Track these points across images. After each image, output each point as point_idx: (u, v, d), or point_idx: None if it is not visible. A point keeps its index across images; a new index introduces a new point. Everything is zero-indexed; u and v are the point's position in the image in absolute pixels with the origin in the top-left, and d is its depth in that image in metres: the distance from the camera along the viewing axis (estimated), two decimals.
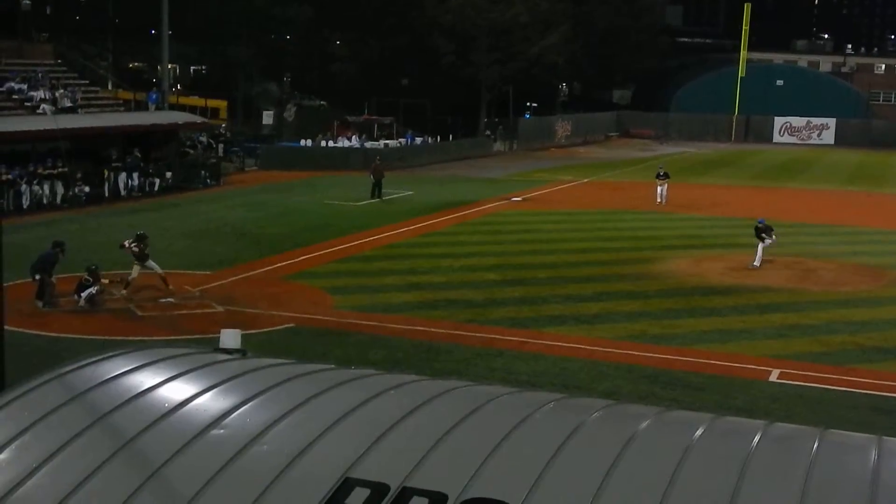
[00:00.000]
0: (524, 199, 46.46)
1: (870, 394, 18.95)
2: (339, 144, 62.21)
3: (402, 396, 7.80)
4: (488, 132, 77.14)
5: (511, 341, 21.91)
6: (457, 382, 8.51)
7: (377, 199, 44.83)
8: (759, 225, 30.96)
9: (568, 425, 7.42)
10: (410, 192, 47.42)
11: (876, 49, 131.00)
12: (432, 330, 22.73)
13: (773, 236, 30.70)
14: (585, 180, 55.92)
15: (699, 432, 7.54)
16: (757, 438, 7.42)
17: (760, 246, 30.54)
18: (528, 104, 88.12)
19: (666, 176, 45.29)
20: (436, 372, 17.68)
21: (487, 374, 18.55)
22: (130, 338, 21.07)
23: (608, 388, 18.23)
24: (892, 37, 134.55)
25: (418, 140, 67.02)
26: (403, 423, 7.16)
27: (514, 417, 7.53)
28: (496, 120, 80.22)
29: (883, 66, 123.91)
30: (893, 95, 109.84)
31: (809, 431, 7.68)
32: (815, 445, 7.31)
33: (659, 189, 45.02)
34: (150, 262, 25.90)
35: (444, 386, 8.26)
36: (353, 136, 63.97)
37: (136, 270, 25.60)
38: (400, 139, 65.59)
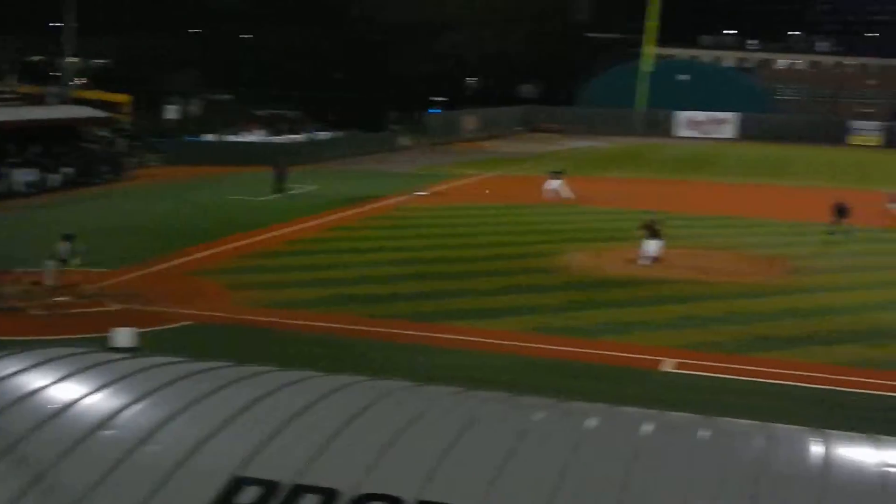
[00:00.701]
0: (431, 194, 46.53)
1: (762, 381, 19.41)
2: (244, 139, 61.63)
3: (297, 393, 7.79)
4: (395, 127, 77.08)
5: (414, 336, 21.95)
6: (356, 378, 8.52)
7: (281, 195, 44.51)
8: (649, 218, 31.12)
9: (462, 418, 7.49)
10: (315, 187, 47.16)
11: (778, 44, 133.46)
12: (334, 325, 22.65)
13: (653, 242, 30.64)
14: (492, 174, 56.22)
15: (594, 422, 7.66)
16: (649, 427, 7.56)
17: (646, 244, 30.61)
18: (435, 99, 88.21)
19: (560, 173, 45.70)
20: (336, 367, 17.52)
21: (389, 370, 18.50)
22: (21, 338, 20.61)
23: (510, 380, 18.35)
24: (798, 32, 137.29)
25: (325, 134, 66.69)
26: (297, 420, 7.16)
27: (411, 412, 7.57)
28: (403, 114, 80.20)
29: (785, 62, 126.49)
30: (795, 90, 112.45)
31: (701, 419, 7.84)
32: (706, 433, 7.47)
33: (550, 185, 45.30)
34: (48, 262, 25.36)
35: (342, 381, 8.27)
36: (259, 131, 63.43)
37: (51, 270, 25.05)
38: (306, 133, 65.21)
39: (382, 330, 22.26)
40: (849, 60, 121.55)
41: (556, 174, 45.88)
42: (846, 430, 7.80)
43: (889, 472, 6.85)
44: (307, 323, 22.74)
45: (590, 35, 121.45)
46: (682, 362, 20.45)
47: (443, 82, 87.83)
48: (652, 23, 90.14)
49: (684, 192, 50.02)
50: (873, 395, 18.94)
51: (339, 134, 68.60)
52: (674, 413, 8.16)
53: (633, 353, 20.97)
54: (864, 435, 7.57)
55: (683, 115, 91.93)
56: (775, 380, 19.58)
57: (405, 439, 7.09)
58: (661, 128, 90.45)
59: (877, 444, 7.32)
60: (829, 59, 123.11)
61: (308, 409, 7.38)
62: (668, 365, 20.28)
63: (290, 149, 57.04)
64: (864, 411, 17.80)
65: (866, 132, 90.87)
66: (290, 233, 35.10)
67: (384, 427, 7.21)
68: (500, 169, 59.03)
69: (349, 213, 40.12)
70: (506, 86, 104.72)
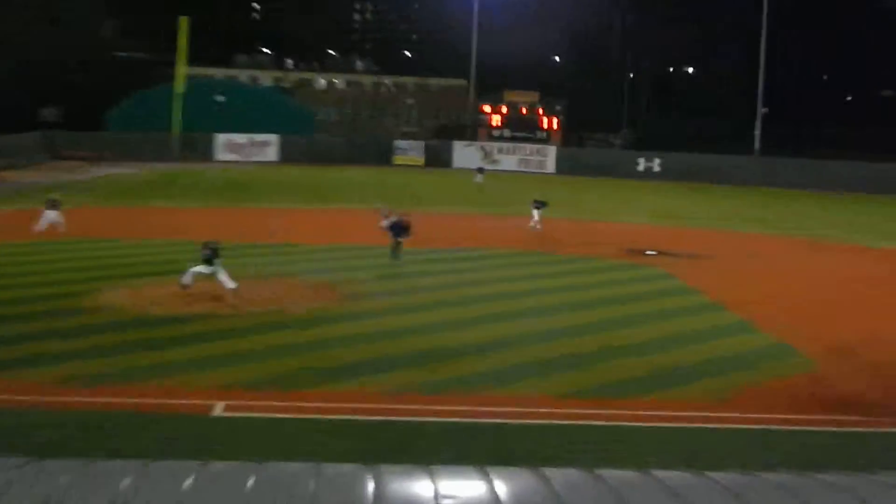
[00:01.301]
0: None
1: (321, 418, 19.65)
2: None
3: None
4: None
5: None
6: None
7: None
8: (208, 249, 30.59)
9: None
10: None
11: (316, 64, 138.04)
12: None
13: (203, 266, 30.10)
14: (10, 209, 53.29)
15: (127, 481, 7.35)
16: (190, 480, 7.36)
17: (193, 270, 30.10)
18: None
19: (56, 204, 43.82)
20: None
21: None
22: None
23: (41, 440, 17.28)
24: (332, 52, 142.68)
25: None
26: None
27: None
28: None
29: (324, 82, 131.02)
30: (336, 110, 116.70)
31: (249, 466, 7.73)
32: (253, 480, 7.38)
33: (46, 216, 43.42)
34: None
35: None
36: None
37: None
38: None
39: None
40: (387, 79, 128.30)
41: (53, 203, 43.91)
42: (400, 462, 7.96)
43: (442, 503, 7.05)
44: None
45: (119, 55, 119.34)
46: (234, 403, 20.25)
47: None
48: (183, 41, 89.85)
49: (231, 219, 50.13)
50: (424, 421, 19.75)
51: None
52: (220, 462, 7.98)
53: (179, 399, 20.47)
54: (416, 465, 7.76)
55: (223, 138, 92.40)
56: (331, 414, 19.90)
57: None
58: (200, 152, 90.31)
59: (430, 473, 7.52)
60: (368, 79, 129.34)
61: None
62: (219, 408, 20.00)
63: None
64: (415, 439, 18.49)
65: (410, 152, 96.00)
66: None
67: None
68: (22, 202, 56.04)
69: None
70: (23, 109, 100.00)
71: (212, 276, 29.84)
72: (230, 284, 29.26)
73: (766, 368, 24.84)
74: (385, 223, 41.03)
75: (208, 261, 29.91)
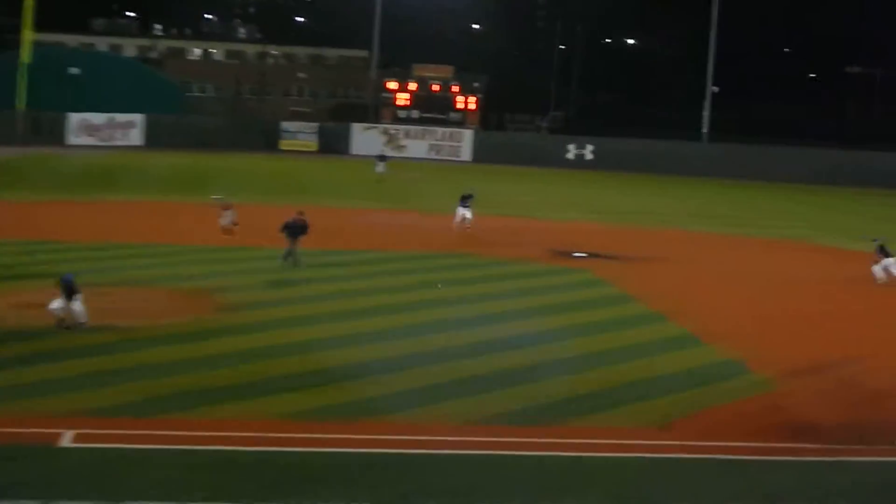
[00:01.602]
0: None
1: (191, 449, 19.50)
2: None
3: None
4: None
5: None
6: None
7: None
8: (65, 283, 29.61)
9: None
10: None
11: (190, 31, 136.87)
12: None
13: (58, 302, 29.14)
14: None
15: None
16: None
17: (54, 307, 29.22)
18: None
19: None
20: None
21: None
22: None
23: None
24: (210, 17, 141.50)
25: None
26: None
27: None
28: None
29: (199, 52, 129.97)
30: (210, 86, 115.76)
31: None
32: None
33: None
34: None
35: None
36: None
37: None
38: None
39: None
40: (274, 50, 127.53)
41: None
42: (285, 501, 8.03)
43: None
44: None
45: None
46: (85, 432, 20.01)
47: None
48: (30, 0, 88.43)
49: (87, 214, 49.66)
50: (315, 452, 19.73)
51: None
52: (68, 502, 7.98)
53: (19, 427, 20.19)
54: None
55: (77, 118, 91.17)
56: (204, 445, 19.74)
57: None
58: (49, 134, 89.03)
59: None
60: (252, 49, 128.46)
61: None
62: (68, 437, 19.79)
63: None
64: (305, 474, 18.44)
65: (301, 135, 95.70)
66: None
67: None
68: None
69: None
70: None
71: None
72: (81, 319, 28.60)
73: (713, 389, 25.16)
74: (225, 220, 40.77)
75: (66, 294, 28.99)
